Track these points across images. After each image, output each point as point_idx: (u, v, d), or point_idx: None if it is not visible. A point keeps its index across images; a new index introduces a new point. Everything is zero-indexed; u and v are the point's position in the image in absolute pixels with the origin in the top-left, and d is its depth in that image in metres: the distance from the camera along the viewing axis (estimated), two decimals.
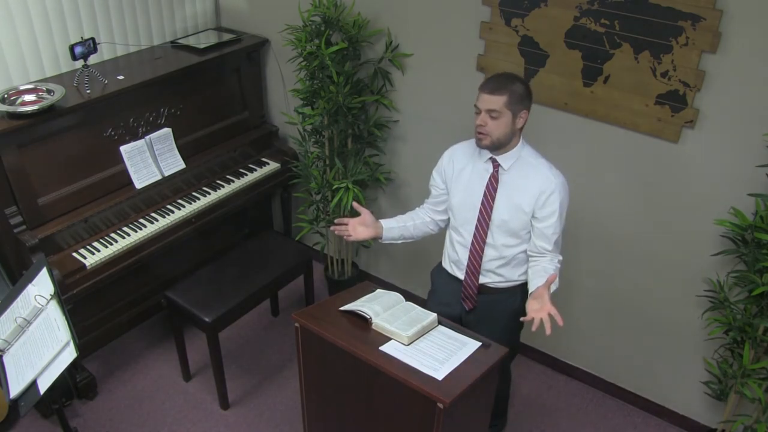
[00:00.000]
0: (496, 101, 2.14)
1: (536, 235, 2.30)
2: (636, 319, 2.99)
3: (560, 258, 2.34)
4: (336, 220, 2.47)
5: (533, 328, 2.08)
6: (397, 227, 2.50)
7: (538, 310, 2.10)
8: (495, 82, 2.16)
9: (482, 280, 2.42)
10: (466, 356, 2.04)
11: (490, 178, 2.29)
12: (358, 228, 2.44)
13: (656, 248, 2.80)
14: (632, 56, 2.52)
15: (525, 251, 2.36)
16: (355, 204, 2.54)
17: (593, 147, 2.78)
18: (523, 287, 2.43)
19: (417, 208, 2.57)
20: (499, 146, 2.23)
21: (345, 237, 2.44)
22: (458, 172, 2.37)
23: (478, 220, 2.33)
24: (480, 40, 2.87)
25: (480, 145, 2.24)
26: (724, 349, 2.70)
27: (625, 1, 2.44)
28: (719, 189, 2.55)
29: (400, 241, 2.54)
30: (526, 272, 2.38)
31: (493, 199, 2.29)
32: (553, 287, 2.22)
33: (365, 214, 2.47)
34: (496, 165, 2.28)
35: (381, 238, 2.49)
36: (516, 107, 2.16)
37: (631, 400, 3.19)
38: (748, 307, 2.50)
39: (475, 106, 2.20)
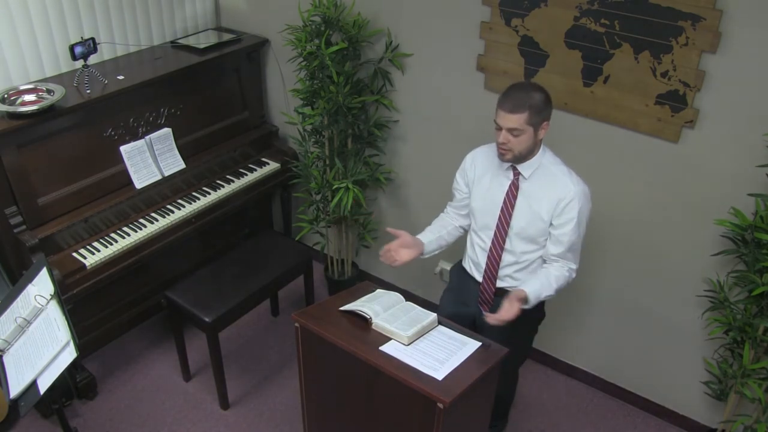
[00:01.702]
0: (517, 120, 2.10)
1: (551, 241, 2.28)
2: (636, 319, 2.99)
3: (573, 266, 2.30)
4: (382, 251, 2.37)
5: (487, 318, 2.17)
6: (434, 239, 2.45)
7: (499, 312, 2.13)
8: (514, 100, 2.10)
9: (499, 284, 2.42)
10: (466, 356, 2.04)
11: (510, 185, 2.28)
12: (401, 251, 2.36)
13: (656, 248, 2.80)
14: (632, 56, 2.52)
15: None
16: (389, 229, 2.43)
17: (593, 147, 2.78)
18: None
19: (442, 214, 2.55)
20: (522, 159, 2.22)
21: (391, 264, 2.36)
22: (479, 177, 2.36)
23: (497, 226, 2.32)
24: (480, 40, 2.87)
25: (503, 159, 2.23)
26: (724, 349, 2.70)
27: (625, 1, 2.44)
28: (719, 189, 2.55)
29: (438, 252, 2.50)
30: None
31: (513, 207, 2.28)
32: (544, 295, 2.22)
33: (404, 235, 2.38)
34: (517, 173, 2.27)
35: (423, 254, 2.43)
36: (536, 120, 2.12)
37: (631, 400, 3.19)
38: (748, 307, 2.50)
39: (495, 122, 2.16)
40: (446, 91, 3.08)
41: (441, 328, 2.19)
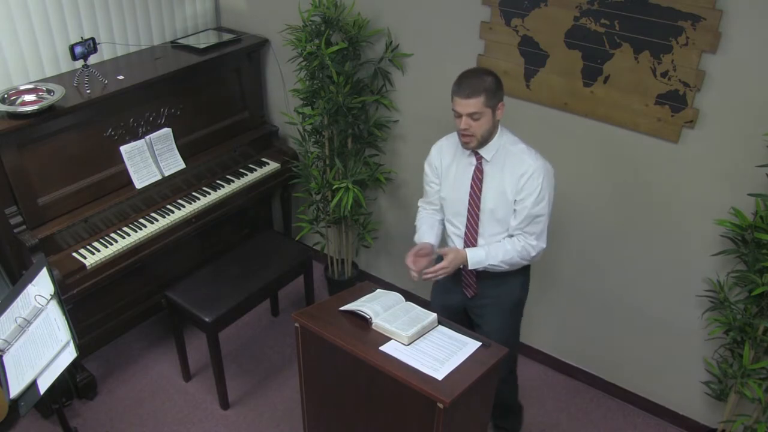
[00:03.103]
0: (475, 104, 2.17)
1: (513, 215, 2.32)
2: (636, 319, 2.99)
3: (533, 242, 2.32)
4: (410, 262, 2.38)
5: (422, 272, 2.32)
6: (434, 238, 2.48)
7: (440, 264, 2.27)
8: (469, 86, 2.18)
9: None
10: (466, 356, 2.04)
11: (474, 170, 2.33)
12: (419, 261, 2.37)
13: (656, 248, 2.79)
14: (632, 56, 2.52)
15: None
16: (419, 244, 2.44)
17: (593, 147, 2.78)
18: (522, 272, 2.48)
19: (423, 214, 2.56)
20: (484, 143, 2.27)
21: (414, 276, 2.38)
22: (447, 167, 2.41)
23: (468, 212, 2.37)
24: (480, 40, 2.87)
25: (467, 147, 2.28)
26: (724, 349, 2.70)
27: (625, 1, 2.44)
28: (719, 189, 2.55)
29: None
30: None
31: (480, 191, 2.33)
32: (486, 263, 2.30)
33: (425, 246, 2.40)
34: (479, 158, 2.32)
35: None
36: (493, 102, 2.20)
37: (631, 400, 3.19)
38: (748, 307, 2.50)
39: (454, 110, 2.23)
40: (446, 91, 3.06)
41: (441, 328, 2.19)
